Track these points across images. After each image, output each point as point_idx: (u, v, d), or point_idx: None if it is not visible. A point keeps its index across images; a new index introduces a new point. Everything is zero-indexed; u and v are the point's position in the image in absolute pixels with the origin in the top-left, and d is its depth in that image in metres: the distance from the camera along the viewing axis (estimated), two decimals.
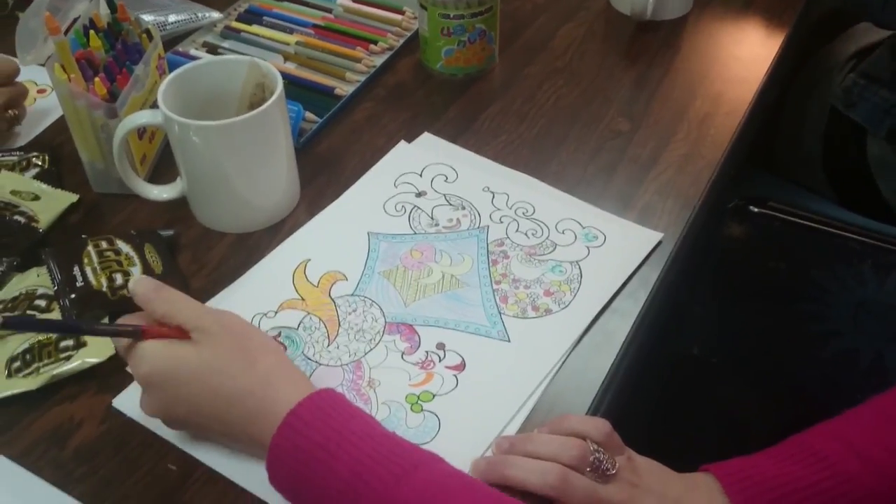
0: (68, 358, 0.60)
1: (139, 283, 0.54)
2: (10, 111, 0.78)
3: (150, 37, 0.75)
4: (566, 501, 0.51)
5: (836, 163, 1.00)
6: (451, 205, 0.73)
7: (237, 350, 0.52)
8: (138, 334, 0.53)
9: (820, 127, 1.00)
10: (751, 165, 1.04)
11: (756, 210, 0.95)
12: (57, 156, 0.78)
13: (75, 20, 0.79)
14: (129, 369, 0.56)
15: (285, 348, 0.62)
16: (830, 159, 1.00)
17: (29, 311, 0.63)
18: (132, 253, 0.66)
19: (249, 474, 0.54)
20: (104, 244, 0.66)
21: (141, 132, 0.74)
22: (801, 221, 0.93)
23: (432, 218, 0.72)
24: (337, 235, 0.71)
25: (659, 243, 0.69)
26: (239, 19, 0.94)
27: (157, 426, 0.57)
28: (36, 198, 0.72)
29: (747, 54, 0.90)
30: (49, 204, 0.72)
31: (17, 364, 0.60)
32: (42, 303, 0.63)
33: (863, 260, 0.90)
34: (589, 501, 0.51)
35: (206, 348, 0.52)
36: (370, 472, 0.47)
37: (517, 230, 0.70)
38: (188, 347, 0.52)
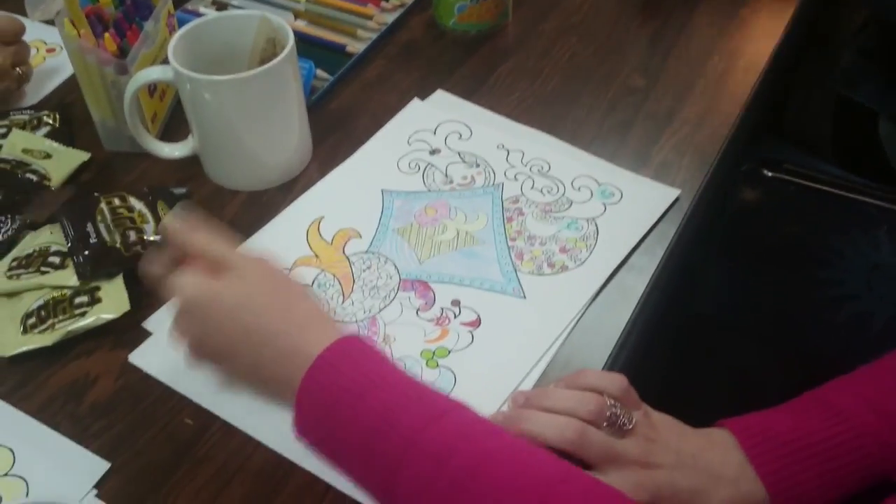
0: (83, 314, 0.60)
1: (176, 217, 0.53)
2: (17, 69, 0.77)
3: None
4: (583, 455, 0.51)
5: (846, 142, 0.99)
6: (465, 162, 0.72)
7: (275, 292, 0.51)
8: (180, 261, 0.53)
9: (829, 107, 0.98)
10: (764, 133, 1.03)
11: (770, 174, 0.94)
12: (68, 114, 0.78)
13: None
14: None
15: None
16: (840, 140, 0.99)
17: (43, 268, 0.62)
18: (145, 210, 0.65)
19: (265, 428, 0.55)
20: (117, 201, 0.66)
21: (152, 90, 0.73)
22: (816, 185, 0.92)
23: (446, 175, 0.71)
24: (350, 193, 0.70)
25: (676, 200, 0.68)
26: None
27: (173, 381, 0.57)
28: (48, 156, 0.72)
29: (766, 8, 0.88)
30: (61, 162, 0.72)
31: (32, 320, 0.60)
32: (56, 259, 0.63)
33: (878, 224, 0.89)
34: (606, 456, 0.51)
35: (245, 286, 0.51)
36: (398, 416, 0.46)
37: (532, 187, 0.69)
38: (229, 282, 0.51)
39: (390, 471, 0.45)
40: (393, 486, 0.45)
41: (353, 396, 0.47)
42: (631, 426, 0.53)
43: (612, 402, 0.53)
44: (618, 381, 0.54)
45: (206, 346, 0.52)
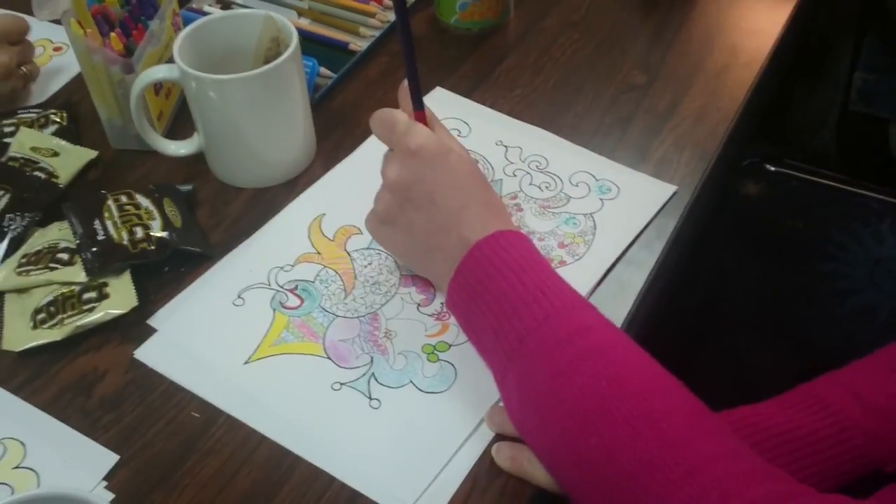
0: (91, 310, 0.61)
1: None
2: (22, 68, 0.79)
3: None
4: None
5: (852, 154, 0.99)
6: None
7: (479, 175, 0.59)
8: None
9: (832, 121, 0.99)
10: (767, 142, 1.03)
11: (773, 168, 0.95)
12: (75, 113, 0.79)
13: None
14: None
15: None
16: (846, 151, 0.99)
17: (52, 265, 0.64)
18: (151, 207, 0.66)
19: (271, 422, 0.56)
20: (124, 198, 0.67)
21: (157, 88, 0.74)
22: (819, 180, 0.93)
23: None
24: (352, 190, 0.71)
25: (674, 195, 0.69)
26: None
27: (179, 376, 0.59)
28: (55, 154, 0.73)
29: (766, 4, 0.89)
30: (68, 160, 0.73)
31: (42, 315, 0.61)
32: (64, 256, 0.64)
33: (881, 218, 0.89)
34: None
35: (467, 154, 0.59)
36: (550, 293, 0.51)
37: (531, 183, 0.70)
38: (457, 147, 0.58)
39: (522, 335, 0.49)
40: (518, 353, 0.49)
41: (511, 273, 0.52)
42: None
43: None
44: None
45: (412, 191, 0.57)
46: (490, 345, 0.52)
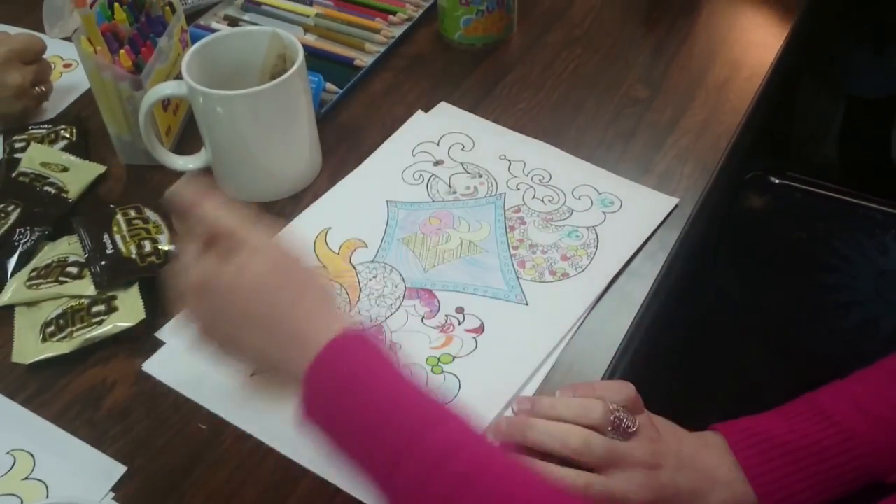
0: (100, 322, 0.62)
1: (186, 185, 0.51)
2: (37, 88, 0.80)
3: (173, 9, 0.77)
4: (587, 462, 0.53)
5: (855, 167, 1.00)
6: (468, 173, 0.74)
7: (286, 277, 0.50)
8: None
9: (835, 131, 0.99)
10: (768, 152, 1.03)
11: (776, 180, 0.95)
12: (84, 128, 0.80)
13: None
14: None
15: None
16: (851, 163, 1.00)
17: (61, 278, 0.65)
18: (160, 221, 0.67)
19: (277, 434, 0.56)
20: (132, 213, 0.68)
21: (165, 104, 0.75)
22: (822, 192, 0.93)
23: (450, 186, 0.73)
24: (357, 204, 0.72)
25: (675, 208, 0.70)
26: None
27: (187, 389, 0.59)
28: (65, 169, 0.74)
29: (767, 18, 0.90)
30: (78, 175, 0.74)
31: (51, 329, 0.62)
32: (74, 270, 0.65)
33: (885, 230, 0.90)
34: (610, 460, 0.53)
35: (255, 269, 0.49)
36: (402, 413, 0.46)
37: (534, 197, 0.71)
38: (239, 265, 0.49)
39: (390, 467, 0.45)
40: (391, 482, 0.45)
41: (358, 388, 0.47)
42: (635, 429, 0.54)
43: (615, 405, 0.54)
44: (625, 390, 0.55)
45: (215, 330, 0.51)
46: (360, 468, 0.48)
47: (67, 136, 0.78)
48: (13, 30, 0.84)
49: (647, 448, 0.54)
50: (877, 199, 0.90)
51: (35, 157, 0.74)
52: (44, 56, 0.80)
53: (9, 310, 0.64)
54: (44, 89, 0.80)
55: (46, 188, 0.72)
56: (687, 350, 0.97)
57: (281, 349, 0.49)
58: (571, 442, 0.52)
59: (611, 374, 0.60)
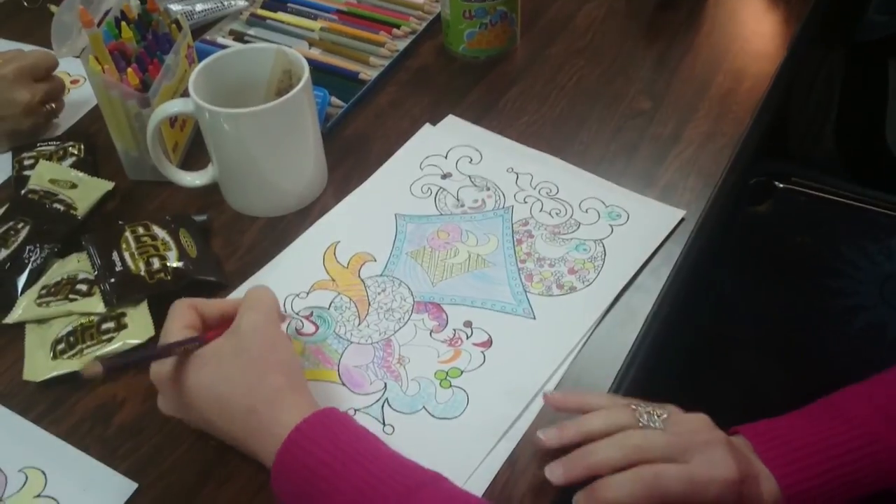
0: (110, 340, 0.62)
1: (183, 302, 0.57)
2: (47, 105, 0.80)
3: (180, 27, 0.77)
4: (651, 458, 0.51)
5: (853, 156, 1.00)
6: (475, 186, 0.74)
7: (251, 362, 0.53)
8: (201, 339, 0.55)
9: (830, 125, 0.99)
10: (768, 155, 1.04)
11: (780, 186, 0.95)
12: (92, 145, 0.80)
13: (107, 12, 0.81)
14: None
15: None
16: (847, 154, 1.00)
17: (71, 295, 0.65)
18: (168, 238, 0.68)
19: None
20: (141, 230, 0.68)
21: (173, 121, 0.76)
22: (826, 196, 0.93)
23: (458, 199, 0.73)
24: (365, 218, 0.72)
25: (682, 220, 0.70)
26: (264, 6, 0.96)
27: None
28: (73, 186, 0.75)
29: (769, 29, 0.90)
30: (86, 192, 0.74)
31: (61, 346, 0.63)
32: (83, 287, 0.65)
33: (890, 234, 0.90)
34: (674, 447, 0.51)
35: (224, 357, 0.53)
36: (375, 490, 0.47)
37: (541, 210, 0.71)
38: (200, 359, 0.53)
39: None
40: None
41: (328, 471, 0.48)
42: (666, 415, 0.53)
43: (637, 405, 0.54)
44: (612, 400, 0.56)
45: (188, 419, 0.56)
46: None
47: (75, 152, 0.79)
48: (27, 48, 0.85)
49: (713, 428, 0.53)
50: (882, 203, 0.90)
51: (44, 174, 0.75)
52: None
53: (19, 327, 0.65)
54: (54, 107, 0.81)
55: (55, 205, 0.72)
56: (692, 359, 0.97)
57: (248, 437, 0.52)
58: (630, 443, 0.51)
59: (616, 387, 0.60)
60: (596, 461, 0.52)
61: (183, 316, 0.56)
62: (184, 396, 0.54)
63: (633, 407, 0.54)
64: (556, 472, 0.52)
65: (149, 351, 0.60)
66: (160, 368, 0.54)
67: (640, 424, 0.53)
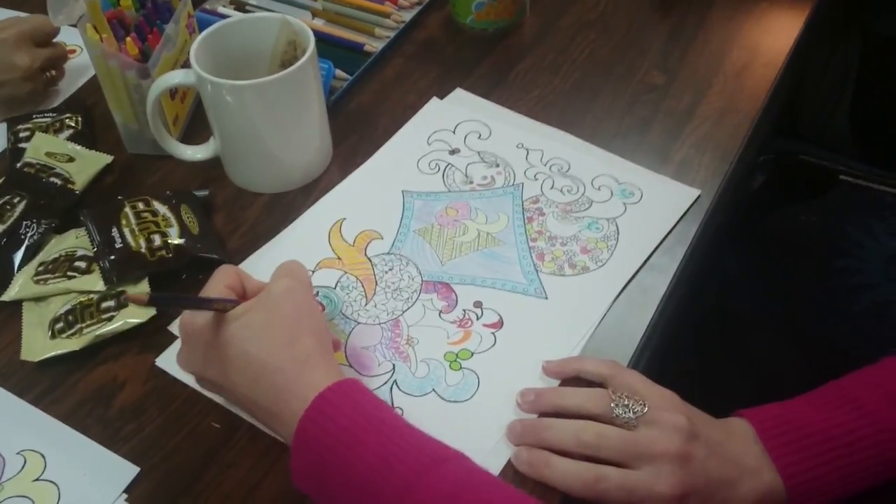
0: (110, 318, 0.60)
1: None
2: (48, 72, 0.78)
3: None
4: (606, 457, 0.52)
5: (866, 139, 0.98)
6: (485, 162, 0.72)
7: (283, 323, 0.51)
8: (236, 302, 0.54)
9: (845, 104, 0.98)
10: (781, 135, 1.02)
11: (787, 164, 0.94)
12: (90, 117, 0.78)
13: None
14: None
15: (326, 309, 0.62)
16: (860, 136, 0.98)
17: (69, 273, 0.63)
18: (169, 214, 0.66)
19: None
20: (141, 205, 0.66)
21: (173, 92, 0.73)
22: (834, 174, 0.92)
23: (466, 175, 0.71)
24: (371, 194, 0.70)
25: (697, 199, 0.68)
26: None
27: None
28: (71, 159, 0.73)
29: (785, 5, 0.88)
30: (84, 165, 0.72)
31: (60, 325, 0.61)
32: (82, 264, 0.64)
33: None
34: (629, 451, 0.51)
35: (252, 318, 0.51)
36: (398, 459, 0.46)
37: (552, 187, 0.70)
38: (234, 315, 0.52)
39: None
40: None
41: (350, 439, 0.47)
42: (644, 412, 0.53)
43: (618, 394, 0.53)
44: (607, 365, 0.56)
45: (205, 376, 0.53)
46: None
47: (73, 124, 0.76)
48: (23, 16, 0.82)
49: (673, 438, 0.52)
50: (887, 181, 0.89)
51: (40, 147, 0.73)
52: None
53: (16, 305, 0.63)
54: (55, 73, 0.79)
55: (52, 179, 0.70)
56: (704, 339, 0.96)
57: (270, 397, 0.50)
58: (585, 436, 0.52)
59: (633, 367, 0.59)
60: (549, 438, 0.53)
61: (227, 277, 0.55)
62: (209, 352, 0.52)
63: (612, 395, 0.53)
64: (514, 430, 0.54)
65: (188, 297, 0.58)
66: (192, 319, 0.53)
67: (613, 415, 0.53)
